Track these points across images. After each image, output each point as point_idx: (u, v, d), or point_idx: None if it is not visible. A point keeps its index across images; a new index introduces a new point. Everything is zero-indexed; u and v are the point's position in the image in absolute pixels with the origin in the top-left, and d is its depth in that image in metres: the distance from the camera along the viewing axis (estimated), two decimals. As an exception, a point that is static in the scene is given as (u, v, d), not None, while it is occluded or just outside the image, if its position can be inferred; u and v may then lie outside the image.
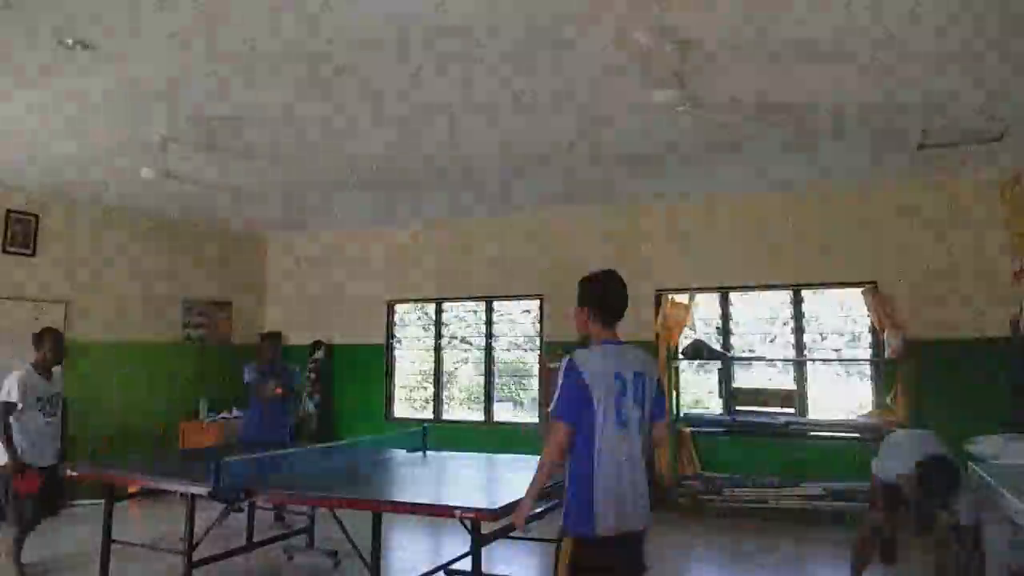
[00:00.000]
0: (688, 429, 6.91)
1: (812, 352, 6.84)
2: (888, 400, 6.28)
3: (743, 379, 7.09)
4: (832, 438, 6.43)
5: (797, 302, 6.87)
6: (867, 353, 6.67)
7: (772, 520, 6.26)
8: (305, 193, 7.11)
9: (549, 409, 2.54)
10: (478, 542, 3.15)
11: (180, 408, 8.01)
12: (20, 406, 4.64)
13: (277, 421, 6.12)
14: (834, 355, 6.92)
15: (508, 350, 8.30)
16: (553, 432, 2.52)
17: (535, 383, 7.78)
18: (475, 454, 5.36)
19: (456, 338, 8.59)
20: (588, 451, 2.47)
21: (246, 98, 4.45)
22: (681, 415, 7.13)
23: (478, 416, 8.22)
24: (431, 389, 8.56)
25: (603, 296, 2.66)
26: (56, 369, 5.01)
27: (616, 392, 2.49)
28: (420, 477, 4.27)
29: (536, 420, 7.62)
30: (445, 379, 8.56)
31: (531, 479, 2.65)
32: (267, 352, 6.28)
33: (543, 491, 2.71)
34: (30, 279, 6.79)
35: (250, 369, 6.20)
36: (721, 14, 3.32)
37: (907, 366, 6.10)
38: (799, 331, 6.83)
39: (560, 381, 2.52)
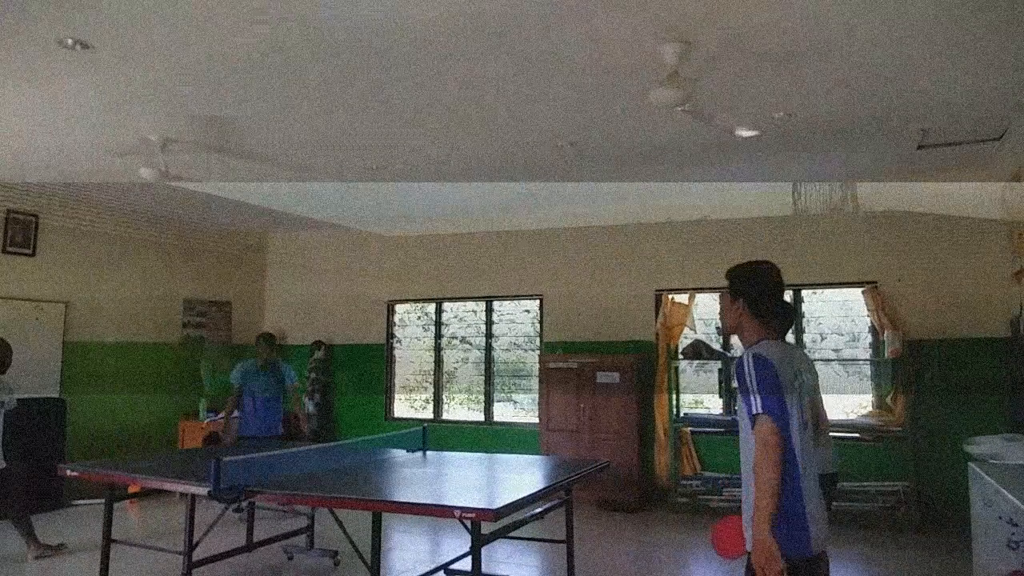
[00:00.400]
0: (688, 429, 6.92)
1: (812, 352, 6.84)
2: (888, 400, 6.28)
3: (743, 379, 7.08)
4: (832, 438, 6.42)
5: (797, 302, 6.87)
6: (867, 353, 6.68)
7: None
8: (305, 193, 7.11)
9: (754, 410, 2.16)
10: (478, 542, 3.15)
11: (180, 408, 8.01)
12: None
13: (271, 417, 6.23)
14: (834, 355, 6.93)
15: (508, 350, 8.31)
16: (764, 435, 2.12)
17: (535, 383, 7.78)
18: (475, 454, 5.35)
19: (456, 338, 8.60)
20: (791, 454, 2.16)
21: (246, 98, 4.45)
22: (681, 415, 7.14)
23: (478, 416, 8.23)
24: (431, 389, 8.57)
25: (774, 288, 2.37)
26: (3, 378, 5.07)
27: (798, 390, 2.24)
28: (420, 477, 4.26)
29: (535, 420, 7.62)
30: (445, 379, 8.57)
31: (758, 505, 2.13)
32: (263, 351, 6.36)
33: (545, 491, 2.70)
34: (30, 279, 6.79)
35: (240, 367, 6.32)
36: (721, 15, 3.32)
37: (907, 366, 6.10)
38: (799, 331, 6.84)
39: (751, 374, 2.20)
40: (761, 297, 2.35)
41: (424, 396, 8.68)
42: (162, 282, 8.08)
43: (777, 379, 2.18)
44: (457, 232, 8.31)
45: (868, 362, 6.70)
